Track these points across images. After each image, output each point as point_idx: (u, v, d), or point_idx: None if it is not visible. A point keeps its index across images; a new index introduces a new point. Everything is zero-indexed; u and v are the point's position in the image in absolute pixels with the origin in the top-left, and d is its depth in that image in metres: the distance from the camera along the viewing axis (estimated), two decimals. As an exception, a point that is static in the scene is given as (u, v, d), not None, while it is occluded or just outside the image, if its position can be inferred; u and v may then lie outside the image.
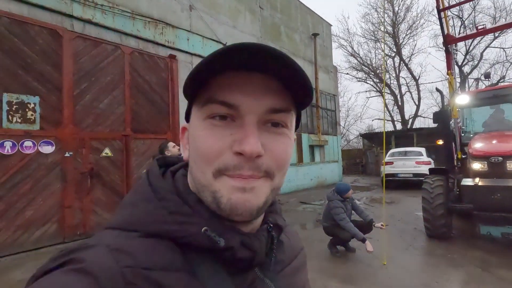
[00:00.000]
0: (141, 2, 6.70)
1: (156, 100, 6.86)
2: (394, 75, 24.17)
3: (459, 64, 21.05)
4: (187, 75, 0.38)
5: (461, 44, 20.01)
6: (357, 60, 24.42)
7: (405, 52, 24.84)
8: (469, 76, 20.62)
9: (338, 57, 54.41)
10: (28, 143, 4.91)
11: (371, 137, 20.90)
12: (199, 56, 7.87)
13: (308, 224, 6.42)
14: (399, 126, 24.23)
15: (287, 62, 0.35)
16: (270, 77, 0.37)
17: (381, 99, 25.07)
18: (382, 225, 3.98)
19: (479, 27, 4.81)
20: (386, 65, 22.77)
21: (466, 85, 20.58)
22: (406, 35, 22.85)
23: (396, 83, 24.02)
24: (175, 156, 0.53)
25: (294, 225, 6.15)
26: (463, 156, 4.97)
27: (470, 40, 19.80)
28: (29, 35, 5.01)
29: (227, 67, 0.36)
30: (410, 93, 24.07)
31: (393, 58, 23.76)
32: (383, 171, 12.26)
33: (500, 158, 4.13)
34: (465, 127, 5.53)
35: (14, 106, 4.80)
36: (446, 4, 4.99)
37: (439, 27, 4.38)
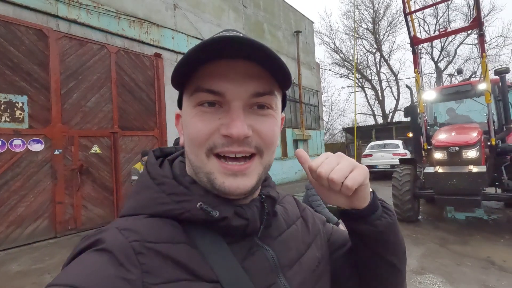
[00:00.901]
0: (126, 1, 6.82)
1: (142, 98, 7.05)
2: (375, 70, 25.01)
3: (435, 60, 22.06)
4: (174, 68, 0.41)
5: (436, 41, 20.97)
6: (339, 56, 25.07)
7: (385, 48, 25.66)
8: (444, 72, 21.65)
9: (321, 53, 55.26)
10: (17, 141, 5.03)
11: (353, 131, 21.63)
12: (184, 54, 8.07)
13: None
14: (380, 120, 25.14)
15: (261, 49, 0.38)
16: (252, 63, 0.40)
17: (363, 94, 25.91)
18: (354, 209, 4.41)
19: (441, 30, 5.32)
20: (356, 59, 23.51)
21: (441, 80, 21.60)
22: (386, 31, 23.65)
23: (377, 78, 24.87)
24: (171, 146, 0.58)
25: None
26: (429, 147, 5.48)
27: (445, 38, 20.77)
28: (15, 35, 5.10)
29: (210, 57, 0.39)
30: (390, 88, 25.01)
31: (373, 54, 24.55)
32: (361, 163, 12.94)
33: (457, 148, 4.65)
34: (430, 120, 6.05)
35: (3, 106, 4.91)
36: (413, 8, 5.43)
37: (417, 24, 4.82)
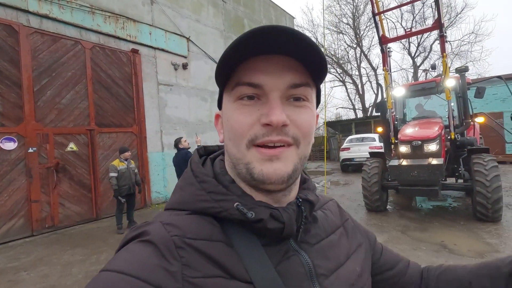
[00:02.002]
0: (100, -4, 6.71)
1: (120, 94, 7.01)
2: (355, 65, 25.56)
3: (412, 55, 22.81)
4: (217, 65, 0.43)
5: (413, 37, 21.65)
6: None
7: (365, 43, 26.24)
8: (420, 67, 22.44)
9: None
10: (-12, 140, 4.95)
11: (335, 125, 22.16)
12: (163, 50, 8.06)
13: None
14: (360, 114, 25.82)
15: (304, 42, 0.40)
16: (287, 57, 0.42)
17: (344, 88, 26.46)
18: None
19: (407, 30, 5.64)
20: (338, 53, 23.93)
21: (418, 75, 22.41)
22: (366, 27, 24.13)
23: (357, 73, 25.43)
24: (215, 145, 0.59)
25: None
26: (396, 141, 5.82)
27: (420, 34, 21.49)
28: (-17, 31, 4.96)
29: (249, 54, 0.41)
30: (370, 82, 25.67)
31: (354, 49, 25.05)
32: (340, 156, 13.41)
33: (419, 142, 5.00)
34: (398, 116, 6.41)
35: (-28, 104, 4.80)
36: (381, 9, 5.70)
37: (395, 20, 5.06)
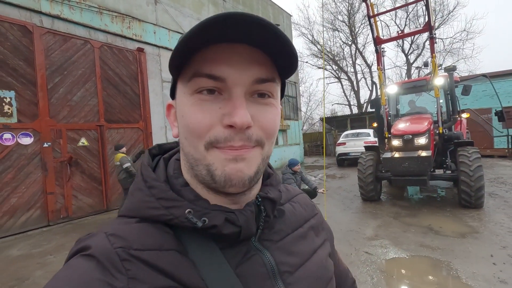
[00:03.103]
0: (107, -4, 6.96)
1: (127, 91, 7.30)
2: (351, 62, 25.98)
3: (406, 52, 23.30)
4: (172, 51, 0.38)
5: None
6: (317, 47, 25.76)
7: (360, 40, 26.63)
8: (414, 64, 22.95)
9: (300, 45, 55.86)
10: (7, 135, 5.24)
11: (331, 121, 22.62)
12: (166, 48, 8.34)
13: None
14: (355, 110, 26.32)
15: (272, 32, 0.36)
16: (255, 48, 0.38)
17: (339, 84, 26.90)
18: (323, 191, 5.11)
19: (399, 32, 6.04)
20: (333, 50, 24.33)
21: (411, 72, 22.92)
22: (362, 24, 24.51)
23: (353, 70, 25.87)
24: (172, 142, 0.54)
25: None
26: (389, 135, 6.25)
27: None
28: (0, 31, 5.22)
29: (210, 41, 0.36)
30: (365, 79, 26.13)
31: (349, 46, 25.44)
32: (336, 151, 13.86)
33: (410, 136, 5.43)
34: (391, 112, 6.84)
35: (-9, 101, 5.08)
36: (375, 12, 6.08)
37: (390, 17, 5.41)
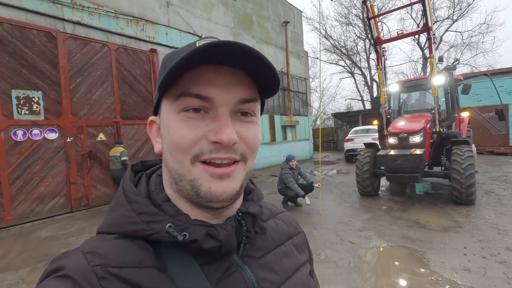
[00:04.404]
0: (122, 1, 7.48)
1: (141, 90, 7.85)
2: (365, 57, 25.65)
3: (421, 46, 22.75)
4: (163, 71, 0.40)
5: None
6: (330, 42, 25.59)
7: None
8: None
9: (313, 40, 55.10)
10: (36, 131, 5.89)
11: (342, 117, 22.58)
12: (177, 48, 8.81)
13: (274, 190, 7.87)
14: (368, 105, 26.06)
15: (257, 58, 0.38)
16: (238, 71, 0.40)
17: (352, 80, 26.67)
18: (318, 185, 5.45)
19: (399, 32, 6.18)
20: (347, 45, 23.97)
21: (427, 67, 22.40)
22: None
23: (366, 65, 25.55)
24: (156, 159, 0.55)
25: (263, 191, 7.59)
26: (388, 133, 6.46)
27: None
28: (28, 38, 5.84)
29: (200, 62, 0.38)
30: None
31: (364, 40, 25.10)
32: (344, 147, 14.00)
33: (405, 134, 5.64)
34: (392, 109, 7.01)
35: (22, 100, 5.73)
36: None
37: (404, 10, 5.57)
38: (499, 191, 6.16)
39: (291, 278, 0.50)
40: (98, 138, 6.92)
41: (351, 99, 30.13)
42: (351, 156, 13.64)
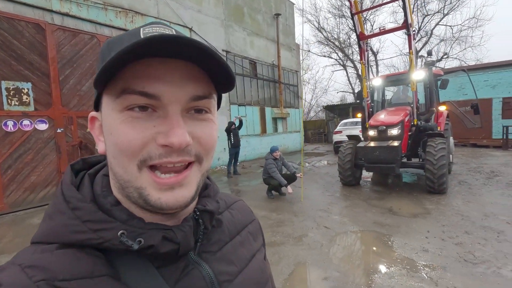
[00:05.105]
0: (111, -7, 7.50)
1: (130, 82, 7.95)
2: (357, 49, 25.77)
3: (416, 38, 22.96)
4: (101, 62, 0.37)
5: (415, 22, 21.81)
6: (322, 35, 25.64)
7: (368, 27, 26.26)
8: (420, 52, 22.67)
9: (307, 31, 54.80)
10: (26, 121, 6.01)
11: (333, 109, 22.88)
12: (167, 40, 8.88)
13: (260, 180, 8.15)
14: (360, 98, 26.34)
15: (208, 54, 0.34)
16: (190, 64, 0.36)
17: (344, 72, 26.87)
18: (300, 175, 5.74)
19: (381, 28, 6.40)
20: (340, 37, 24.09)
21: (419, 60, 22.69)
22: (370, 10, 24.12)
23: (359, 57, 25.70)
24: (98, 155, 0.48)
25: (251, 182, 7.87)
26: (368, 126, 6.73)
27: (421, 18, 21.66)
28: (17, 29, 5.89)
29: (145, 55, 0.33)
30: (370, 67, 25.95)
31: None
32: (333, 139, 14.32)
33: (384, 127, 5.93)
34: (373, 103, 7.28)
35: (12, 91, 5.82)
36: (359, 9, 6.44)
37: (396, 3, 5.72)
38: (471, 181, 6.54)
39: (247, 266, 0.50)
40: (88, 129, 7.04)
41: (343, 91, 30.41)
42: (339, 148, 13.96)
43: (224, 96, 11.34)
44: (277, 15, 14.32)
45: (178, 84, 0.36)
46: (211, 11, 10.74)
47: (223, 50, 11.19)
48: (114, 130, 0.36)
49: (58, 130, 6.49)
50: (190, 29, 9.69)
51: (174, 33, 0.39)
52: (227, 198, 0.61)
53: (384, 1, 7.50)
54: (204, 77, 0.39)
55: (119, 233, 0.36)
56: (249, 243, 0.55)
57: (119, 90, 0.35)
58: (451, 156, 7.24)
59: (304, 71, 27.34)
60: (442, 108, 6.94)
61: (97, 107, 0.42)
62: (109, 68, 0.33)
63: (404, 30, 5.97)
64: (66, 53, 6.63)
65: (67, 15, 6.63)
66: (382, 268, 3.01)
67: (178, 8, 9.35)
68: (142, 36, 0.36)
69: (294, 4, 16.16)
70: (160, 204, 0.37)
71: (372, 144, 5.88)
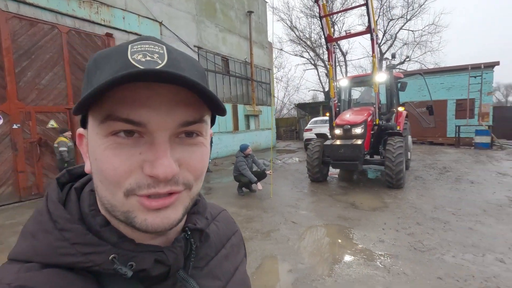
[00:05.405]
0: (74, -19, 7.09)
1: (96, 76, 7.60)
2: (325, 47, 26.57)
3: (379, 43, 24.19)
4: (86, 83, 0.35)
5: (380, 26, 22.95)
6: (295, 33, 26.11)
7: (338, 28, 27.19)
8: (385, 54, 23.95)
9: (280, 30, 55.53)
10: (-24, 117, 5.54)
11: (305, 107, 23.47)
12: (136, 34, 8.59)
13: (231, 178, 8.23)
14: (330, 97, 27.24)
15: (187, 80, 0.31)
16: (178, 87, 0.33)
17: (316, 71, 27.61)
18: (270, 172, 5.90)
19: (347, 32, 6.74)
20: (311, 37, 24.80)
21: (383, 63, 23.96)
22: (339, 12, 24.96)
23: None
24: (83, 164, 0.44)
25: (223, 179, 7.91)
26: (335, 125, 7.07)
27: (387, 22, 22.87)
28: (-36, 16, 5.39)
29: (130, 80, 0.30)
30: (340, 67, 26.93)
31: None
32: (304, 136, 14.75)
33: (349, 126, 6.27)
34: (341, 102, 7.65)
35: (-41, 84, 5.33)
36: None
37: (364, 7, 5.91)
38: (426, 177, 7.12)
39: (231, 280, 0.51)
40: (49, 125, 6.66)
41: (314, 90, 31.24)
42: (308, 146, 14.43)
43: (196, 92, 11.20)
44: (250, 12, 14.37)
45: (166, 110, 0.34)
46: (182, 5, 10.53)
47: (194, 46, 11.04)
48: (99, 156, 0.35)
49: (14, 126, 6.06)
50: (160, 23, 9.44)
51: (165, 51, 0.35)
52: (212, 209, 0.59)
53: (350, 7, 7.83)
54: (195, 100, 0.35)
55: (110, 258, 0.35)
56: (233, 255, 0.56)
57: (103, 115, 0.33)
58: (409, 153, 7.83)
59: (276, 69, 27.68)
60: (401, 109, 7.46)
61: (84, 124, 0.39)
62: (91, 96, 0.31)
63: (368, 35, 6.32)
64: (23, 44, 6.18)
65: (23, 2, 6.17)
66: (343, 259, 3.23)
67: (147, 1, 9.05)
68: (129, 56, 0.33)
69: (267, 2, 16.29)
70: (146, 226, 0.35)
71: (338, 142, 6.20)
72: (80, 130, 0.41)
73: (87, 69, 0.37)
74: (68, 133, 6.15)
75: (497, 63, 14.23)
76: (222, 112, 0.38)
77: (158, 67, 0.32)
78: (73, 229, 0.36)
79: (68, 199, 0.41)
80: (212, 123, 0.44)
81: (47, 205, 0.38)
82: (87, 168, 0.39)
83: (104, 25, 7.76)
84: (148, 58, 0.33)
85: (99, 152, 0.34)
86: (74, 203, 0.40)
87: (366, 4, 5.95)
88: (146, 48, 0.35)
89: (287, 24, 26.01)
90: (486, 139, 12.31)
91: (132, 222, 0.35)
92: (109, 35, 7.84)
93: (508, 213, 4.41)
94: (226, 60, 13.05)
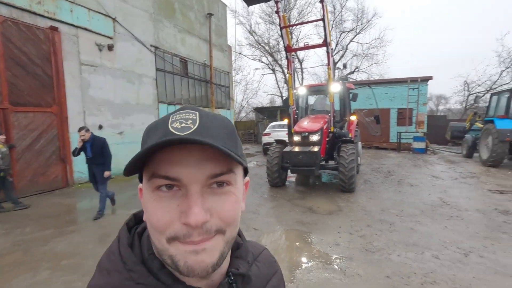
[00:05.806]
0: (12, -35, 6.32)
1: (37, 73, 6.85)
2: (285, 56, 27.47)
3: (333, 54, 25.79)
4: (133, 158, 0.40)
5: (333, 37, 24.49)
6: (254, 38, 26.52)
7: (295, 35, 28.33)
8: (337, 64, 25.61)
9: (240, 33, 55.97)
10: None
11: (263, 111, 23.91)
12: (86, 29, 7.94)
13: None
14: (287, 102, 28.17)
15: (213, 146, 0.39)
16: (206, 147, 0.39)
17: (274, 76, 28.34)
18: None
19: (305, 44, 7.10)
20: (269, 43, 25.57)
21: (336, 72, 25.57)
22: (297, 20, 26.02)
23: (286, 62, 27.44)
24: None
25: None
26: (293, 132, 7.36)
27: (339, 34, 24.50)
28: None
29: (165, 146, 0.39)
30: (296, 73, 28.05)
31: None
32: (262, 140, 15.03)
33: (306, 133, 6.58)
34: (299, 110, 7.99)
35: None
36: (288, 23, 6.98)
37: (320, 16, 6.22)
38: (373, 180, 7.78)
39: None
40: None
41: (272, 94, 32.02)
42: (268, 150, 14.72)
43: (152, 94, 10.74)
44: (210, 15, 14.23)
45: (196, 166, 0.40)
46: (138, 3, 10.02)
47: (151, 45, 10.57)
48: (147, 207, 0.43)
49: None
50: (114, 19, 8.86)
51: (197, 116, 0.43)
52: (253, 248, 0.62)
53: (308, 20, 8.23)
54: (222, 156, 0.41)
55: None
56: None
57: (150, 174, 0.42)
58: (359, 158, 8.48)
59: (235, 71, 27.77)
60: (354, 117, 8.06)
61: (141, 179, 0.47)
62: (133, 164, 0.41)
63: (324, 48, 6.71)
64: None
65: None
66: (302, 264, 3.38)
67: (99, -6, 8.43)
68: (169, 125, 0.41)
69: (227, 6, 16.29)
70: (187, 268, 0.41)
71: (296, 149, 6.46)
72: (140, 185, 0.48)
73: (142, 139, 0.46)
74: (2, 137, 5.43)
75: (431, 78, 16.13)
76: (242, 165, 0.45)
77: (190, 131, 0.40)
78: (138, 271, 0.43)
79: (133, 243, 0.48)
80: (245, 173, 0.51)
81: (119, 248, 0.46)
82: (144, 217, 0.47)
83: (48, 17, 7.03)
84: (183, 124, 0.41)
85: (148, 204, 0.42)
86: (137, 247, 0.48)
87: (323, 19, 6.32)
88: (182, 116, 0.43)
89: (247, 28, 26.32)
90: (422, 145, 13.86)
91: (177, 264, 0.41)
92: (53, 29, 7.12)
93: (441, 213, 5.04)
94: (185, 61, 12.73)
